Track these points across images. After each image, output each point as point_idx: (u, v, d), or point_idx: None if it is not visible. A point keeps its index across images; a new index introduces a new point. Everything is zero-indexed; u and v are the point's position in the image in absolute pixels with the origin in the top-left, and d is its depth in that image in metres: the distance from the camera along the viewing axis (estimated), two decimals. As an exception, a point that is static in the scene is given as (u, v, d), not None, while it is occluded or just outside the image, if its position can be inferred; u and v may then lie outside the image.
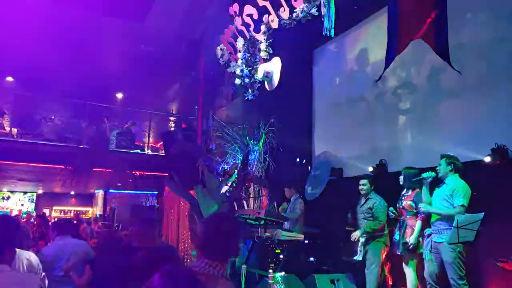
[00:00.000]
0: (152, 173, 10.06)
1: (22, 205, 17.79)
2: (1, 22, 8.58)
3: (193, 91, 8.66)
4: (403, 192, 4.75)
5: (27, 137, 9.15)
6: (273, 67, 5.10)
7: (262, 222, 5.46)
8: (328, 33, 3.98)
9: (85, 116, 10.22)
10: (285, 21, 4.60)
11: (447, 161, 4.10)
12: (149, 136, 11.18)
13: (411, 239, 4.41)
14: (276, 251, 5.71)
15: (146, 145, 11.30)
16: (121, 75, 10.66)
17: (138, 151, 10.46)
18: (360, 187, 5.13)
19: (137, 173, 9.75)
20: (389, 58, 3.50)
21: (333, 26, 3.96)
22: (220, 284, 1.71)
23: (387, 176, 5.62)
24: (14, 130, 9.62)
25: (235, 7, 5.49)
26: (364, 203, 5.10)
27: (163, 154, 8.59)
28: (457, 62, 3.77)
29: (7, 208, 17.11)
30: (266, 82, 5.28)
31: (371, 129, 6.43)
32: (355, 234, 4.94)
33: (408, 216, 4.59)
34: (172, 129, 9.44)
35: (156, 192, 13.48)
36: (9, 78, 11.57)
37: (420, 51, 5.39)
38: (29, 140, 8.98)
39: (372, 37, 6.37)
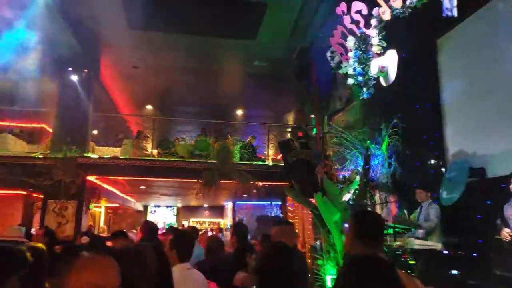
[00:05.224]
0: (274, 183, 10.30)
1: (166, 217, 20.18)
2: (139, 63, 10.07)
3: (307, 100, 8.66)
4: None
5: (165, 156, 10.34)
6: (388, 60, 4.72)
7: (391, 230, 5.06)
8: (450, 14, 3.50)
9: (211, 134, 11.12)
10: (398, 11, 4.23)
11: None
12: (268, 148, 11.55)
13: None
14: (410, 261, 5.22)
15: (266, 156, 11.69)
16: (240, 92, 11.36)
17: (260, 162, 10.87)
18: None
19: (260, 184, 10.08)
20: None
21: (454, 5, 3.46)
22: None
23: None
24: (155, 151, 11.00)
25: (343, 6, 5.30)
26: None
27: (283, 164, 8.72)
28: None
29: (154, 221, 19.59)
30: (382, 78, 4.92)
31: (519, 118, 5.43)
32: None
33: None
34: (289, 138, 9.56)
35: (280, 202, 13.77)
36: (149, 107, 13.37)
37: None
38: (166, 158, 10.14)
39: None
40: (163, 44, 9.19)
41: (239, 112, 13.69)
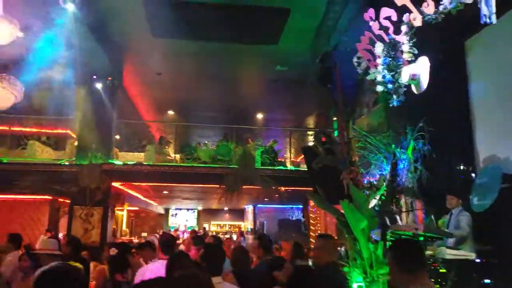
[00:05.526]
0: (295, 188, 10.26)
1: (187, 220, 20.35)
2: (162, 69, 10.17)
3: (331, 104, 8.58)
4: None
5: (187, 161, 10.42)
6: (420, 68, 4.62)
7: (421, 238, 4.96)
8: (488, 20, 3.39)
9: (232, 139, 11.16)
10: (430, 16, 4.13)
11: None
12: (290, 152, 11.52)
13: None
14: (440, 270, 5.13)
15: (288, 160, 11.66)
16: (261, 97, 11.36)
17: (281, 167, 10.84)
18: None
19: (282, 189, 10.06)
20: None
21: (493, 11, 3.35)
22: None
23: None
24: (177, 156, 11.10)
25: (371, 12, 5.22)
26: None
27: (305, 169, 8.67)
28: None
29: (175, 223, 19.80)
30: (413, 86, 4.82)
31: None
32: None
33: None
34: (312, 143, 9.50)
35: (302, 206, 13.69)
36: (170, 112, 13.50)
37: None
38: (189, 164, 10.21)
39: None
40: (185, 51, 9.27)
41: (260, 116, 13.69)
